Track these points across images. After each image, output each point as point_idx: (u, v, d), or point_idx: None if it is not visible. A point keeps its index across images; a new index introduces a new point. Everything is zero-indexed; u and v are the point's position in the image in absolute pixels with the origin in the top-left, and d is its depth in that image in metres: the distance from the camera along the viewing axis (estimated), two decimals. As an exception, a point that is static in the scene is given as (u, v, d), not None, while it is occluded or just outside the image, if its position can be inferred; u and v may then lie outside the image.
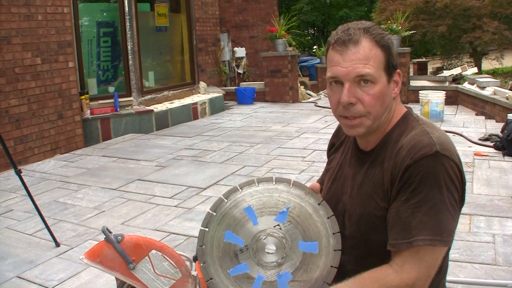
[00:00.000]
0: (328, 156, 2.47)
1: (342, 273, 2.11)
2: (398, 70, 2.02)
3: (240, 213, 2.01)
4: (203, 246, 2.03)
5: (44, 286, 4.14)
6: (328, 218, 2.06)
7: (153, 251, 2.57)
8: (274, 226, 2.00)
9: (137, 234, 2.74)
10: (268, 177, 2.09)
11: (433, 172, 1.83)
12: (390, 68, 1.97)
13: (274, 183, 2.06)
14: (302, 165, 7.39)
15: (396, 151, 1.95)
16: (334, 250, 2.04)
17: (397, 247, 1.88)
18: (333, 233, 2.04)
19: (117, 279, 2.72)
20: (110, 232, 2.63)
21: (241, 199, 2.03)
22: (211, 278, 2.02)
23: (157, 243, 2.67)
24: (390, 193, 1.94)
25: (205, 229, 2.03)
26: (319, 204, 2.06)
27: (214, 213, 2.03)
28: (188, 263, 2.25)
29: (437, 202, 1.82)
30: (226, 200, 2.04)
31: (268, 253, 2.00)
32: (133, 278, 2.60)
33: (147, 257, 2.56)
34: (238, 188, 2.06)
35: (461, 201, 1.93)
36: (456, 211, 1.88)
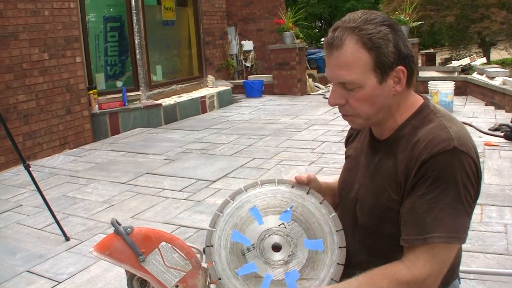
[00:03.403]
0: (346, 145, 2.44)
1: (355, 263, 2.11)
2: (400, 67, 1.90)
3: (246, 214, 2.04)
4: (211, 246, 2.05)
5: (54, 280, 4.13)
6: (330, 216, 2.07)
7: (163, 243, 2.54)
8: (279, 225, 2.02)
9: (146, 226, 2.72)
10: (270, 179, 2.13)
11: (450, 168, 1.79)
12: (382, 68, 1.88)
13: (276, 184, 2.10)
14: (312, 156, 7.35)
15: (412, 144, 1.90)
16: (339, 247, 2.04)
17: (411, 243, 1.85)
18: (337, 231, 2.05)
19: (126, 271, 2.70)
20: (120, 225, 2.61)
21: (246, 200, 2.07)
22: (220, 278, 2.01)
23: (167, 234, 2.64)
24: (404, 187, 1.89)
25: (213, 229, 2.05)
26: (320, 203, 2.08)
27: (221, 214, 2.06)
28: (198, 255, 2.23)
29: (453, 198, 1.79)
30: (232, 201, 2.07)
31: (275, 247, 2.01)
32: (143, 271, 2.58)
33: (157, 249, 2.54)
34: (243, 189, 2.09)
35: (476, 196, 1.89)
36: (471, 208, 1.85)
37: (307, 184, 2.13)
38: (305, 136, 8.77)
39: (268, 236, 2.01)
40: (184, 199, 5.86)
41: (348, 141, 2.42)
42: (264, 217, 2.03)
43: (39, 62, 8.56)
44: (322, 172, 6.45)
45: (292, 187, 2.10)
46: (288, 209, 2.03)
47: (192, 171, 7.00)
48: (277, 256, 2.00)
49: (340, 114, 2.04)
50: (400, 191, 1.91)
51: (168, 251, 2.48)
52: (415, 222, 1.83)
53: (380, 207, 1.98)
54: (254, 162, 7.28)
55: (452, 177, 1.79)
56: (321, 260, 2.02)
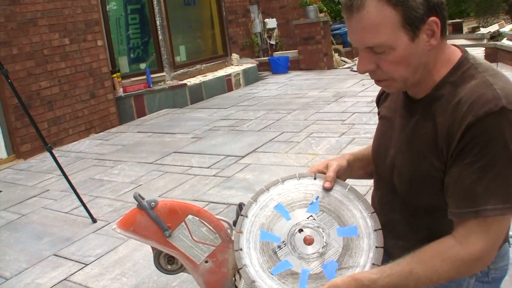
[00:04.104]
0: (378, 105, 2.22)
1: (396, 234, 1.95)
2: (432, 18, 1.66)
3: (271, 212, 1.95)
4: (240, 250, 1.93)
5: (81, 262, 4.03)
6: (360, 200, 1.96)
7: (190, 216, 2.40)
8: (308, 218, 1.92)
9: (171, 199, 2.58)
10: (291, 174, 2.05)
11: (499, 132, 1.58)
12: (412, 23, 1.65)
13: (298, 178, 2.02)
14: (342, 128, 7.17)
15: (453, 105, 1.68)
16: (375, 231, 1.91)
17: (461, 216, 1.66)
18: (369, 214, 1.93)
19: (153, 248, 2.56)
20: (143, 199, 2.46)
21: (269, 199, 1.98)
22: (254, 281, 1.87)
23: (193, 207, 2.48)
24: (447, 153, 1.68)
25: (240, 232, 1.95)
26: (347, 190, 1.98)
27: (247, 217, 1.96)
28: (228, 227, 2.08)
29: (505, 165, 1.59)
30: (255, 203, 1.98)
31: (308, 237, 1.89)
32: (170, 246, 2.43)
33: (183, 223, 2.40)
34: (265, 189, 2.00)
35: None
36: None
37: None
38: (334, 108, 8.58)
39: (298, 230, 1.90)
40: (213, 176, 5.74)
41: (380, 100, 2.19)
42: (290, 212, 1.94)
43: (60, 47, 8.47)
44: (354, 143, 6.29)
45: (315, 178, 2.01)
46: (314, 200, 1.95)
47: (220, 148, 6.88)
48: (311, 249, 1.87)
49: (373, 80, 1.83)
50: (442, 158, 1.70)
51: (196, 225, 2.34)
52: (464, 194, 1.64)
53: (421, 176, 1.78)
54: (283, 136, 7.12)
55: (502, 141, 1.58)
56: (358, 246, 1.90)
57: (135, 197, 2.45)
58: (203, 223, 2.35)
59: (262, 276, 1.85)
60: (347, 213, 1.93)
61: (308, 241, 1.88)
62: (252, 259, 1.89)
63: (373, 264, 1.85)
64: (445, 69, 1.76)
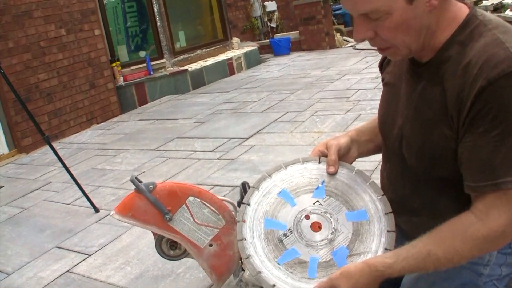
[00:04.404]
0: (381, 71, 2.07)
1: (408, 210, 1.82)
2: None
3: (275, 199, 1.88)
4: (244, 240, 1.84)
5: (84, 253, 3.92)
6: (367, 183, 1.88)
7: (191, 198, 2.29)
8: (314, 203, 1.85)
9: (171, 181, 2.46)
10: (294, 159, 1.97)
11: None
12: None
13: (301, 163, 1.95)
14: (347, 105, 7.03)
15: (462, 67, 1.52)
16: (385, 214, 1.82)
17: (479, 190, 1.53)
18: (378, 197, 1.84)
19: (154, 234, 2.45)
20: (140, 182, 2.34)
21: (272, 185, 1.91)
22: (260, 272, 1.77)
23: (194, 188, 2.36)
24: (458, 121, 1.54)
25: (242, 221, 1.87)
26: (354, 173, 1.91)
27: (249, 205, 1.89)
28: (231, 208, 2.02)
29: None
30: (257, 190, 1.90)
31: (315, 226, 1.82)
32: (171, 231, 2.32)
33: (184, 205, 2.30)
34: (267, 175, 1.93)
35: None
36: None
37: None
38: (338, 86, 8.43)
39: (304, 216, 1.83)
40: (217, 159, 5.62)
41: (383, 65, 2.03)
42: (295, 198, 1.87)
43: (56, 39, 8.35)
44: (360, 119, 6.13)
45: (319, 162, 1.93)
46: (320, 185, 1.87)
47: (223, 131, 6.77)
48: (319, 236, 1.80)
49: (376, 49, 1.68)
50: (453, 126, 1.56)
51: (198, 207, 2.24)
52: (482, 165, 1.50)
53: (431, 146, 1.64)
54: (287, 116, 7.00)
55: None
56: (368, 231, 1.82)
57: (132, 180, 2.33)
58: (205, 204, 2.25)
59: (268, 266, 1.77)
60: (355, 197, 1.85)
61: (316, 228, 1.80)
62: (256, 249, 1.81)
63: (385, 249, 1.76)
64: (451, 28, 1.59)
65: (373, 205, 1.83)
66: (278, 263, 1.76)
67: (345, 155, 1.97)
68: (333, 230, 1.79)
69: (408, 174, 1.79)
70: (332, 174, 1.88)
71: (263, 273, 1.75)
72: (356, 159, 2.05)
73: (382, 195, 1.84)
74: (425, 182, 1.74)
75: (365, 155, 2.11)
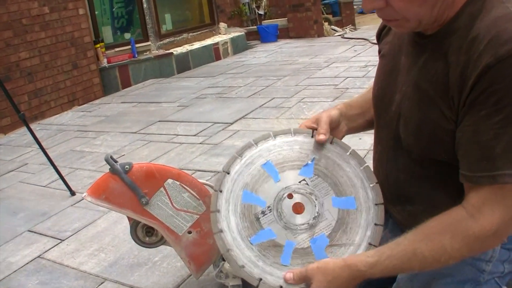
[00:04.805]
0: (379, 41, 1.89)
1: (402, 197, 1.67)
2: None
3: (258, 170, 1.71)
4: (217, 212, 1.68)
5: (57, 238, 3.75)
6: (362, 167, 1.72)
7: (169, 181, 2.15)
8: (299, 182, 1.69)
9: (148, 162, 2.30)
10: (285, 129, 1.80)
11: None
12: None
13: (293, 134, 1.77)
14: (335, 92, 6.89)
15: (468, 41, 1.36)
16: (376, 205, 1.68)
17: (475, 181, 1.37)
18: (371, 185, 1.69)
19: (129, 219, 2.31)
20: (116, 162, 2.19)
21: (257, 155, 1.74)
22: (229, 250, 1.64)
23: (173, 170, 2.22)
24: (459, 101, 1.37)
25: (219, 191, 1.70)
26: (348, 154, 1.74)
27: (228, 173, 1.73)
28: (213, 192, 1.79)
29: None
30: (240, 158, 1.75)
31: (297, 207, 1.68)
32: (147, 216, 2.18)
33: (162, 189, 2.16)
34: (253, 143, 1.77)
35: None
36: None
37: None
38: (326, 73, 8.30)
39: (287, 195, 1.67)
40: (200, 143, 5.48)
41: (381, 35, 1.87)
42: (280, 173, 1.71)
43: (39, 17, 8.10)
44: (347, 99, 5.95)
45: (312, 136, 1.76)
46: (310, 162, 1.71)
47: (207, 115, 6.63)
48: (300, 219, 1.66)
49: (382, 19, 1.51)
50: (453, 106, 1.40)
51: (176, 190, 2.09)
52: (479, 154, 1.35)
53: (428, 125, 1.48)
54: (273, 101, 6.86)
55: None
56: (354, 221, 1.67)
57: (106, 160, 2.18)
58: (184, 188, 2.11)
59: (240, 245, 1.64)
60: (345, 181, 1.70)
61: (298, 209, 1.66)
62: (230, 224, 1.66)
63: (369, 244, 1.63)
64: None
65: (364, 192, 1.68)
66: (251, 243, 1.64)
67: (335, 129, 1.81)
68: (316, 214, 1.65)
69: (403, 157, 1.64)
70: (322, 144, 1.72)
71: (233, 252, 1.63)
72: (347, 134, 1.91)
73: (376, 183, 1.68)
74: (421, 167, 1.59)
75: (355, 130, 1.96)
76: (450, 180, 1.50)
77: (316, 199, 1.66)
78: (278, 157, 1.72)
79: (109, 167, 2.18)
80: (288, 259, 1.61)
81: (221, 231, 1.64)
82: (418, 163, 1.59)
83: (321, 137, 1.70)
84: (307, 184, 1.68)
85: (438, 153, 1.50)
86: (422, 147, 1.53)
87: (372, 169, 1.81)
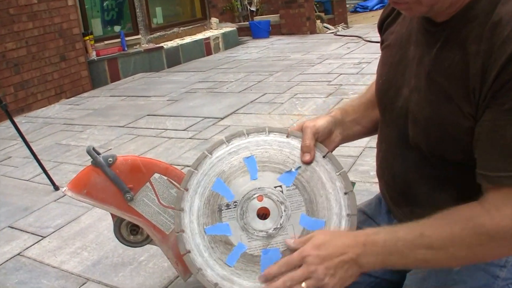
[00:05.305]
0: (382, 31, 1.74)
1: (411, 199, 1.54)
2: None
3: (239, 162, 1.64)
4: (185, 190, 1.64)
5: (38, 235, 3.59)
6: (345, 193, 1.59)
7: (156, 175, 1.99)
8: (275, 187, 1.60)
9: (133, 155, 2.15)
10: (282, 127, 1.70)
11: None
12: None
13: (287, 136, 1.66)
14: (328, 89, 6.77)
15: (490, 27, 1.22)
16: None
17: (496, 181, 1.23)
18: (348, 214, 1.58)
19: (112, 216, 2.14)
20: (99, 154, 2.02)
21: (244, 146, 1.66)
22: (183, 231, 1.62)
23: (160, 164, 2.05)
24: (480, 94, 1.23)
25: (194, 170, 1.66)
26: (338, 174, 1.61)
27: (210, 155, 1.67)
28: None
29: None
30: (226, 144, 1.68)
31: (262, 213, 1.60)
32: (132, 212, 2.02)
33: (148, 184, 2.00)
34: (245, 133, 1.69)
35: None
36: None
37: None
38: (319, 70, 8.19)
39: (257, 196, 1.59)
40: (189, 138, 5.34)
41: (384, 24, 1.72)
42: (260, 171, 1.62)
43: (27, 7, 7.93)
44: (342, 103, 5.82)
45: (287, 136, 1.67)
46: (293, 170, 1.60)
47: (197, 109, 6.49)
48: (260, 225, 1.59)
49: (390, 1, 1.37)
50: (474, 100, 1.25)
51: (164, 186, 1.94)
52: (502, 151, 1.21)
53: (441, 122, 1.33)
54: (265, 97, 6.73)
55: None
56: None
57: (88, 151, 2.01)
58: (172, 183, 1.96)
59: (194, 229, 1.61)
60: (323, 202, 1.59)
61: (262, 215, 1.59)
62: (192, 206, 1.63)
63: None
64: None
65: (338, 220, 1.57)
66: (204, 231, 1.59)
67: (326, 140, 1.68)
68: (278, 226, 1.56)
69: (412, 156, 1.49)
70: (307, 163, 1.59)
71: (185, 234, 1.60)
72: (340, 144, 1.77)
73: (353, 215, 1.56)
74: (432, 166, 1.45)
75: (351, 139, 1.82)
76: (464, 181, 1.37)
77: (284, 210, 1.57)
78: (264, 155, 1.63)
79: (91, 159, 2.02)
80: (234, 260, 1.56)
81: (182, 209, 1.61)
82: (429, 162, 1.45)
83: (306, 157, 1.59)
84: (282, 192, 1.59)
85: (451, 152, 1.36)
86: (433, 145, 1.40)
87: (376, 169, 1.70)
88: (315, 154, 1.60)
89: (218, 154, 1.65)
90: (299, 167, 1.60)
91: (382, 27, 1.73)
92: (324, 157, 1.61)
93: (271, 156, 1.62)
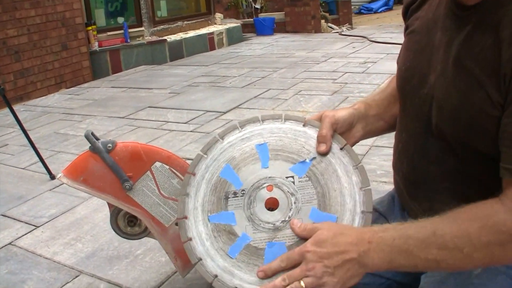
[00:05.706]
0: (406, 17, 1.64)
1: (430, 194, 1.44)
2: None
3: (251, 149, 1.57)
4: (192, 175, 1.57)
5: (31, 224, 3.48)
6: (361, 189, 1.50)
7: (158, 164, 1.88)
8: (286, 177, 1.52)
9: (134, 141, 2.04)
10: (298, 116, 1.62)
11: None
12: None
13: (304, 125, 1.58)
14: (334, 86, 6.68)
15: None
16: None
17: None
18: (362, 211, 1.48)
19: (109, 205, 2.03)
20: (98, 139, 1.91)
21: (258, 132, 1.59)
22: (186, 217, 1.53)
23: (163, 152, 1.94)
24: (510, 81, 1.14)
25: (204, 155, 1.59)
26: (355, 168, 1.52)
27: (221, 140, 1.60)
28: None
29: None
30: (239, 129, 1.61)
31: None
32: (130, 203, 1.90)
33: (148, 172, 1.91)
34: (260, 119, 1.62)
35: None
36: None
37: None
38: (324, 68, 8.10)
39: (267, 186, 1.51)
40: (191, 131, 5.26)
41: (409, 10, 1.62)
42: (272, 160, 1.54)
43: (30, -7, 7.83)
44: (348, 101, 5.79)
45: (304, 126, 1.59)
46: (307, 160, 1.52)
47: (199, 103, 6.41)
48: (268, 217, 1.50)
49: None
50: (504, 88, 1.16)
51: (165, 175, 1.84)
52: None
53: (469, 110, 1.24)
54: (269, 93, 6.65)
55: None
56: None
57: (86, 136, 1.90)
58: (174, 173, 1.86)
59: (197, 217, 1.53)
60: (336, 196, 1.50)
61: (270, 205, 1.51)
62: (198, 191, 1.55)
63: None
64: None
65: (351, 216, 1.48)
66: (208, 219, 1.52)
67: (345, 133, 1.59)
68: (287, 218, 1.48)
69: (435, 146, 1.40)
70: (322, 154, 1.50)
71: (188, 221, 1.52)
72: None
73: (369, 212, 1.47)
74: (457, 159, 1.35)
75: (373, 134, 1.73)
76: (490, 177, 1.26)
77: (294, 202, 1.49)
78: (278, 143, 1.56)
79: (89, 145, 1.91)
80: (236, 252, 1.48)
81: (187, 194, 1.54)
82: (452, 154, 1.35)
83: (321, 147, 1.50)
84: (293, 183, 1.51)
85: (476, 141, 1.27)
86: (459, 135, 1.31)
87: (393, 162, 1.61)
88: (332, 145, 1.50)
89: (230, 139, 1.58)
90: (314, 157, 1.51)
91: (407, 13, 1.64)
92: (341, 149, 1.52)
93: (285, 145, 1.55)
